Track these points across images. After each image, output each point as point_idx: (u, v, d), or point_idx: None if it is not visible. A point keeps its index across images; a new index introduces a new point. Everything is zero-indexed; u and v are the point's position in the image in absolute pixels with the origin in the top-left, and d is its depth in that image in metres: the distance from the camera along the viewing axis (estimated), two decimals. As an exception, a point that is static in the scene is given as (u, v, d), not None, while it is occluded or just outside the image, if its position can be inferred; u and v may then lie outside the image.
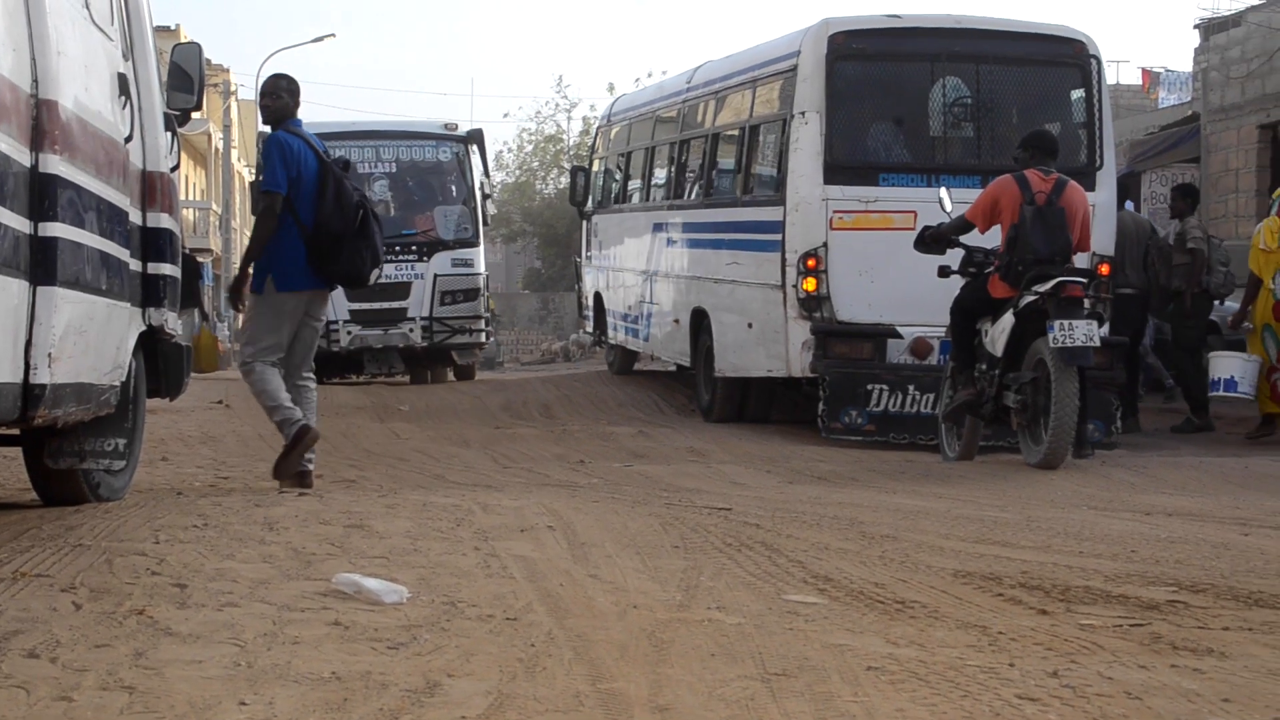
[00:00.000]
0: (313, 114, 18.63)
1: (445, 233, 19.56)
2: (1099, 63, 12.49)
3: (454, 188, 20.10)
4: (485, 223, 19.94)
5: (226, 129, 46.63)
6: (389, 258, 16.82)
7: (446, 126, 20.01)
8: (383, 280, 17.62)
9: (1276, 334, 12.81)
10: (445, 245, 19.34)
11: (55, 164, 5.24)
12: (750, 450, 11.46)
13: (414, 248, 19.15)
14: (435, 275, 19.09)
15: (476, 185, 19.81)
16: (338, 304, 17.20)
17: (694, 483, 8.94)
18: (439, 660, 3.91)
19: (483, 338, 19.94)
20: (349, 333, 18.83)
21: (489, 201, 20.23)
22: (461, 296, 19.23)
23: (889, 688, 3.70)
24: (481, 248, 19.67)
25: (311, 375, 8.26)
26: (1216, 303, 13.89)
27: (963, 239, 10.16)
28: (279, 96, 8.12)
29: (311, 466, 8.00)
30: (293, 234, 7.87)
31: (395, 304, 18.92)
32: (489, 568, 5.24)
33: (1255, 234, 13.25)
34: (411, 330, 19.04)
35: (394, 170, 19.62)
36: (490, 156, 22.46)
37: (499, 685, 3.66)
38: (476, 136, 20.09)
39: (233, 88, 47.70)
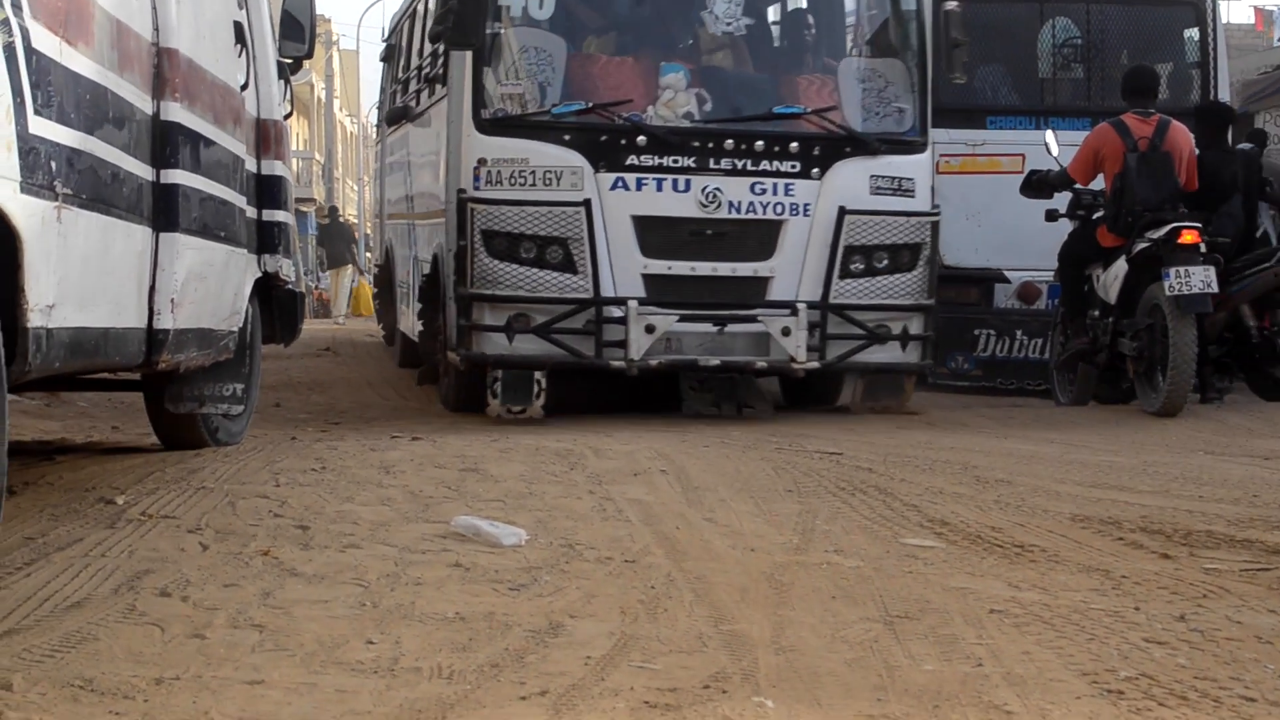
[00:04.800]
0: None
1: (856, 117, 9.38)
2: (1213, 0, 12.24)
3: (871, 29, 10.02)
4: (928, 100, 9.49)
5: (329, 79, 46.94)
6: (729, 165, 8.98)
7: None
8: (718, 215, 8.92)
9: None
10: (860, 146, 9.18)
11: (176, 111, 5.30)
12: (856, 396, 11.39)
13: (792, 148, 9.04)
14: (840, 209, 9.06)
15: (922, 23, 9.54)
16: (616, 266, 8.92)
17: (801, 427, 8.91)
18: (560, 602, 3.94)
19: (919, 355, 9.42)
20: (647, 327, 8.90)
21: (954, 52, 10.10)
22: (886, 259, 9.22)
23: (1013, 630, 3.69)
24: (929, 154, 9.48)
25: None
26: None
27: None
28: None
29: None
30: None
31: (744, 267, 9.08)
32: (604, 511, 5.26)
33: None
34: (787, 330, 8.98)
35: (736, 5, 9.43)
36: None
37: (621, 626, 3.69)
38: None
39: (334, 38, 47.98)
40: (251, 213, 6.76)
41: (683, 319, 8.96)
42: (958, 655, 3.47)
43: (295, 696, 3.11)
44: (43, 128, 3.97)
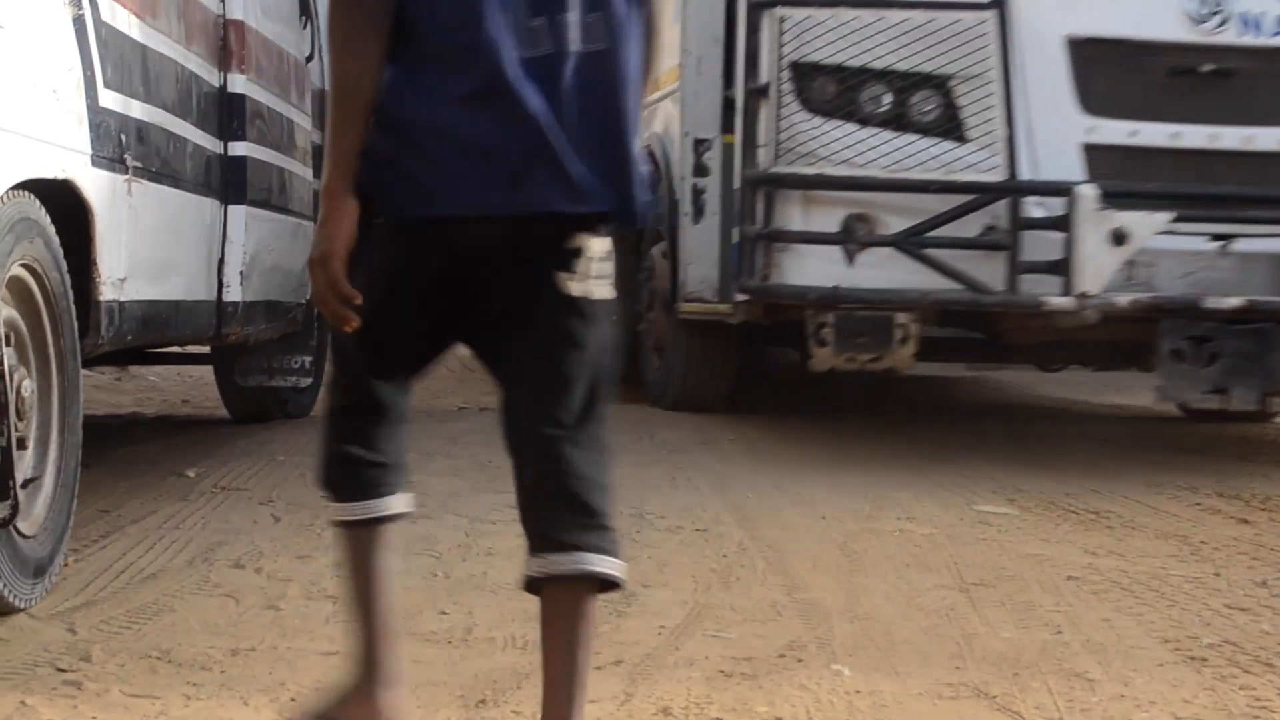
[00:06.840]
0: None
1: None
2: None
3: None
4: None
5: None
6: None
7: None
8: (1222, 39, 5.39)
9: None
10: None
11: (242, 84, 5.30)
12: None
13: None
14: None
15: None
16: (1039, 128, 5.36)
17: (862, 391, 8.85)
18: (633, 571, 3.89)
19: None
20: (1114, 234, 5.16)
21: None
22: None
23: (1091, 597, 3.64)
24: None
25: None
26: None
27: None
28: None
29: None
30: None
31: (1269, 136, 5.46)
32: (674, 480, 5.24)
33: None
34: None
35: None
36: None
37: (694, 595, 3.67)
38: None
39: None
40: (316, 184, 6.77)
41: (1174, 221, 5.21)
42: (1036, 622, 3.43)
43: (371, 666, 3.10)
44: (112, 100, 3.98)
